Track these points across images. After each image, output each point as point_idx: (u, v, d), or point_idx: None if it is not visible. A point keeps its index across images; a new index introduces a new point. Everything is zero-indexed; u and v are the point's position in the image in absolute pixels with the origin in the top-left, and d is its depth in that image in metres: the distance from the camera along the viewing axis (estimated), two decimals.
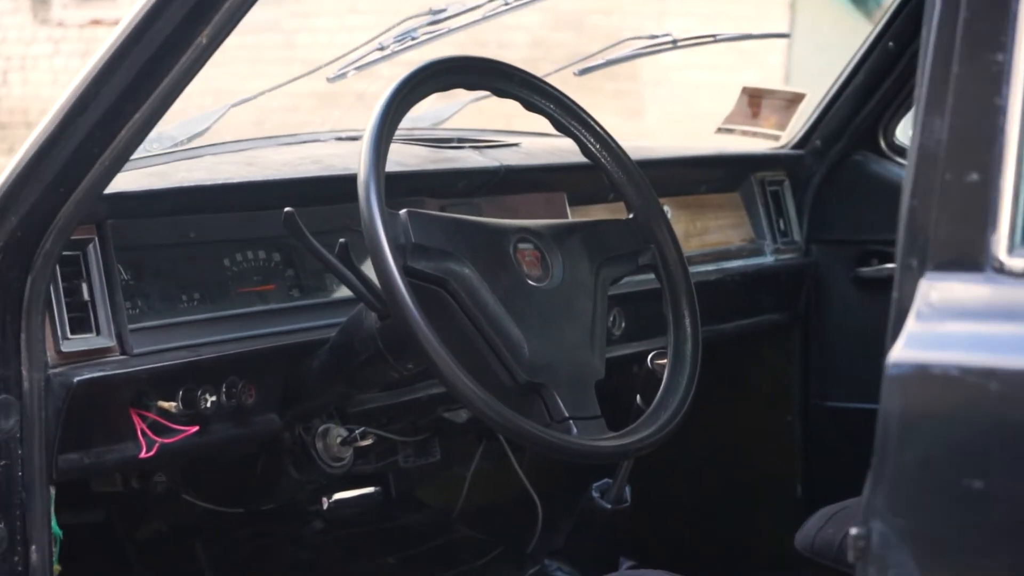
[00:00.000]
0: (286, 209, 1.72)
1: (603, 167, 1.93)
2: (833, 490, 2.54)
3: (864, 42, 2.71)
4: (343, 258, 1.73)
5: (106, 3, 8.98)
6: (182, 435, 1.77)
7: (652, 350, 2.01)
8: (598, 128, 1.93)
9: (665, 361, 1.91)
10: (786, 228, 2.75)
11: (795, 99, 2.75)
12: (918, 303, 1.17)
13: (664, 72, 7.78)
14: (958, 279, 1.17)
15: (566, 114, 1.91)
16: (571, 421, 1.73)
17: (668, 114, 7.77)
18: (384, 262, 1.62)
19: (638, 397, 1.95)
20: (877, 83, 2.70)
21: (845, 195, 2.75)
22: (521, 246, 1.81)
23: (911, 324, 1.17)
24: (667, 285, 1.92)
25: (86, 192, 1.60)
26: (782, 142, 2.78)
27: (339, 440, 1.96)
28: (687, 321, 1.90)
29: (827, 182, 2.76)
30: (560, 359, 1.76)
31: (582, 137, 1.92)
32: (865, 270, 2.72)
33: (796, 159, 2.77)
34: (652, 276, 1.95)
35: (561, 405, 1.73)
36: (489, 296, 1.73)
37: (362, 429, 1.97)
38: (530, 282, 1.79)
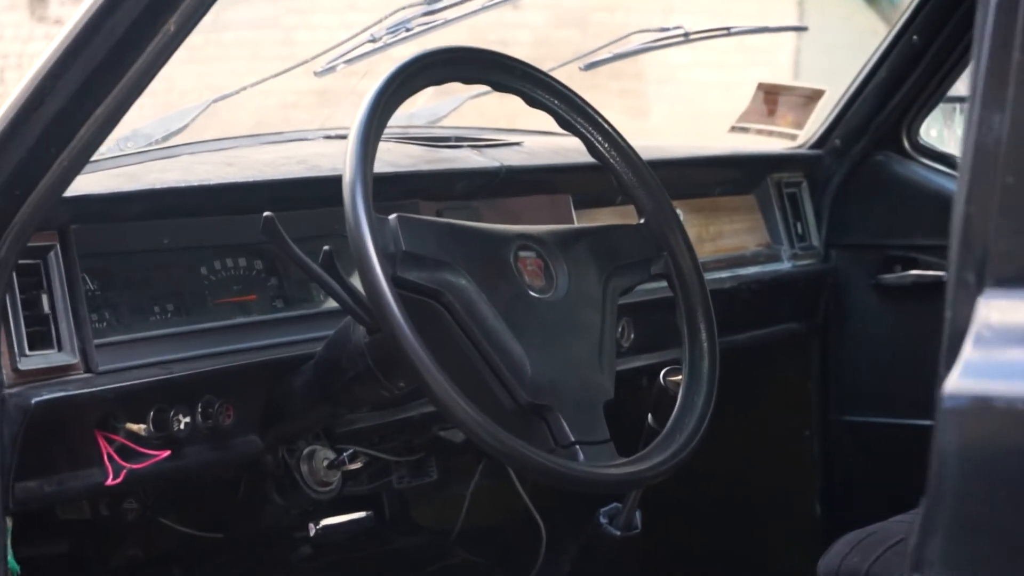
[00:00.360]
0: (265, 213, 1.63)
1: (612, 168, 1.83)
2: (854, 510, 2.58)
3: (887, 36, 2.64)
4: (328, 267, 1.64)
5: None
6: (153, 460, 1.67)
7: (663, 363, 1.94)
8: (607, 126, 1.83)
9: (679, 378, 1.81)
10: (804, 232, 2.69)
11: (813, 96, 2.69)
12: (976, 325, 1.02)
13: (670, 70, 7.79)
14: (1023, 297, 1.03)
15: (572, 110, 1.81)
16: (578, 446, 1.63)
17: (675, 113, 7.74)
18: (371, 272, 1.53)
19: (650, 416, 1.86)
20: (901, 79, 2.63)
21: (866, 197, 2.69)
22: (523, 254, 1.72)
23: (968, 350, 1.02)
24: (681, 296, 1.83)
25: (44, 195, 1.51)
26: (800, 141, 2.72)
27: (326, 463, 1.88)
28: (703, 335, 1.80)
29: (847, 184, 2.71)
30: (565, 378, 1.67)
31: (589, 135, 1.83)
32: (887, 277, 2.66)
33: (814, 159, 2.71)
34: (664, 283, 1.86)
35: (567, 429, 1.64)
36: (487, 309, 1.64)
37: (351, 451, 1.88)
38: (532, 294, 1.70)
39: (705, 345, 1.80)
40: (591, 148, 1.84)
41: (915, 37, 2.57)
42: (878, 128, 2.67)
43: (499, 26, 7.23)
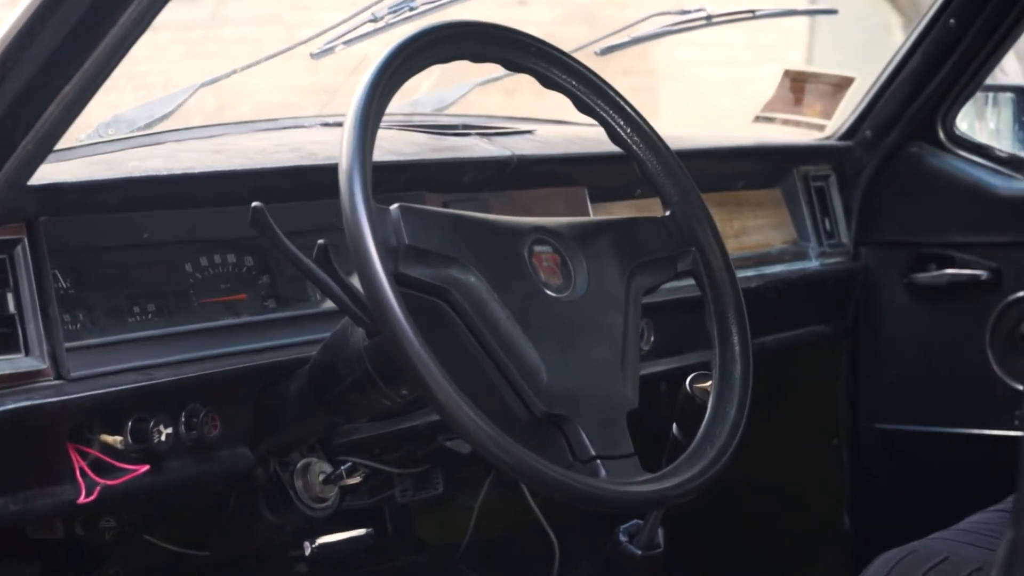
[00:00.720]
0: (254, 204, 1.53)
1: (635, 155, 1.73)
2: (886, 524, 2.56)
3: (921, 19, 2.57)
4: (323, 263, 1.54)
5: None
6: (130, 475, 1.57)
7: (684, 368, 1.88)
8: (629, 109, 1.72)
9: (707, 385, 1.71)
10: (832, 229, 2.63)
11: (843, 83, 2.62)
12: None
13: (680, 68, 7.81)
14: None
15: (591, 92, 1.71)
16: (599, 461, 1.53)
17: (685, 111, 7.71)
18: (370, 268, 1.42)
19: (674, 426, 1.76)
20: (936, 65, 2.56)
21: (899, 192, 2.63)
22: (538, 249, 1.61)
23: None
24: (711, 295, 1.72)
25: (7, 182, 1.43)
26: (828, 132, 2.66)
27: (321, 478, 1.78)
28: (735, 338, 1.69)
29: (878, 177, 2.65)
30: (585, 386, 1.57)
31: (610, 120, 1.72)
32: (921, 276, 2.60)
33: (844, 151, 2.64)
34: (688, 282, 1.77)
35: (587, 442, 1.53)
36: (499, 309, 1.53)
37: (349, 464, 1.78)
38: (549, 292, 1.59)
39: (737, 349, 1.69)
40: (612, 134, 1.74)
41: (952, 20, 2.50)
42: (912, 118, 2.61)
43: (505, 21, 7.21)
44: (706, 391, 1.71)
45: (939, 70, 2.55)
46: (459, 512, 2.30)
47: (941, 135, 2.61)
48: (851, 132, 2.65)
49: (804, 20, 7.58)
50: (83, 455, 1.55)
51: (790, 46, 7.72)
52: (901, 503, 2.61)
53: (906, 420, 2.63)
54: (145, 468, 1.58)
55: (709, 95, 7.61)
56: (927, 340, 2.59)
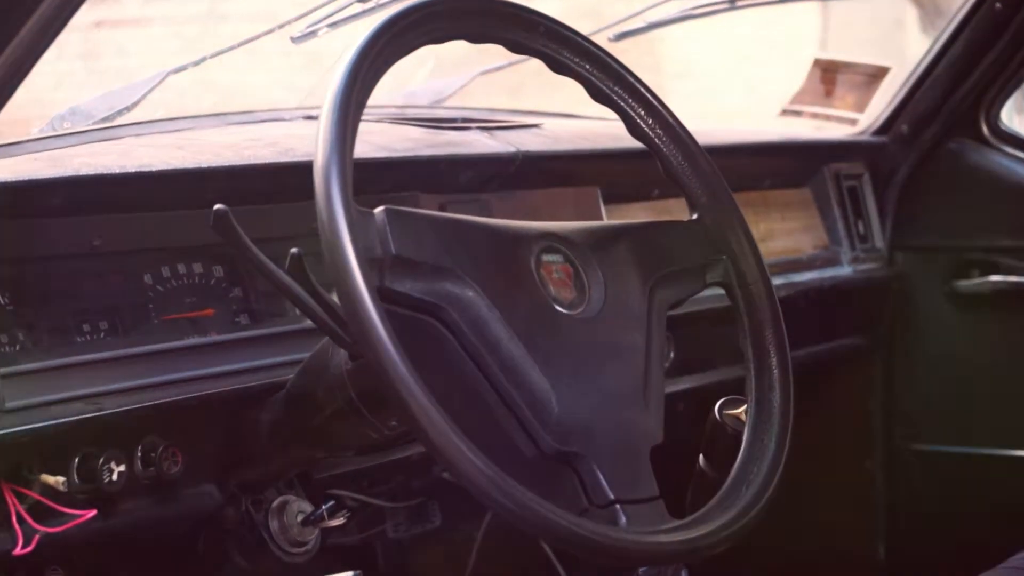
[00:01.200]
0: (216, 206, 1.39)
1: (657, 150, 1.59)
2: (925, 557, 2.56)
3: (963, 4, 2.50)
4: (298, 274, 1.40)
5: (112, 5, 9.09)
6: (75, 521, 1.46)
7: (708, 387, 1.95)
8: (651, 97, 1.57)
9: (740, 411, 1.58)
10: (866, 232, 2.59)
11: (877, 74, 2.62)
12: None
13: (686, 66, 7.80)
14: None
15: (608, 78, 1.55)
16: (618, 506, 1.39)
17: (692, 111, 7.71)
18: (350, 281, 1.27)
19: (701, 458, 1.62)
20: (979, 53, 2.50)
21: (938, 191, 2.59)
22: (547, 258, 1.48)
23: None
24: (745, 311, 1.59)
25: None
26: (861, 127, 2.62)
27: (300, 518, 1.65)
28: (773, 359, 1.56)
29: (916, 176, 2.60)
30: (602, 418, 1.43)
31: (629, 109, 1.57)
32: (963, 284, 2.56)
33: (878, 148, 2.60)
34: (714, 292, 1.64)
35: (604, 483, 1.39)
36: (501, 329, 1.40)
37: (331, 503, 1.65)
38: (559, 309, 1.46)
39: (776, 373, 1.56)
40: (631, 125, 1.60)
41: (998, 4, 2.46)
42: (952, 111, 2.57)
43: None
44: (738, 420, 1.58)
45: (983, 58, 2.50)
46: (459, 546, 2.18)
47: (984, 129, 2.56)
48: (886, 127, 2.60)
49: (816, 15, 7.61)
50: (21, 498, 1.45)
51: (803, 44, 7.73)
52: (942, 533, 2.59)
53: (947, 441, 2.59)
54: (92, 513, 1.46)
55: (717, 92, 7.60)
56: (969, 353, 2.54)
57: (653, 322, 1.52)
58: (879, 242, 2.58)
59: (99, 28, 8.92)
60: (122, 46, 6.38)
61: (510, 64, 2.18)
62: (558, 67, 1.55)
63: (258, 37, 1.94)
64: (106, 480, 1.49)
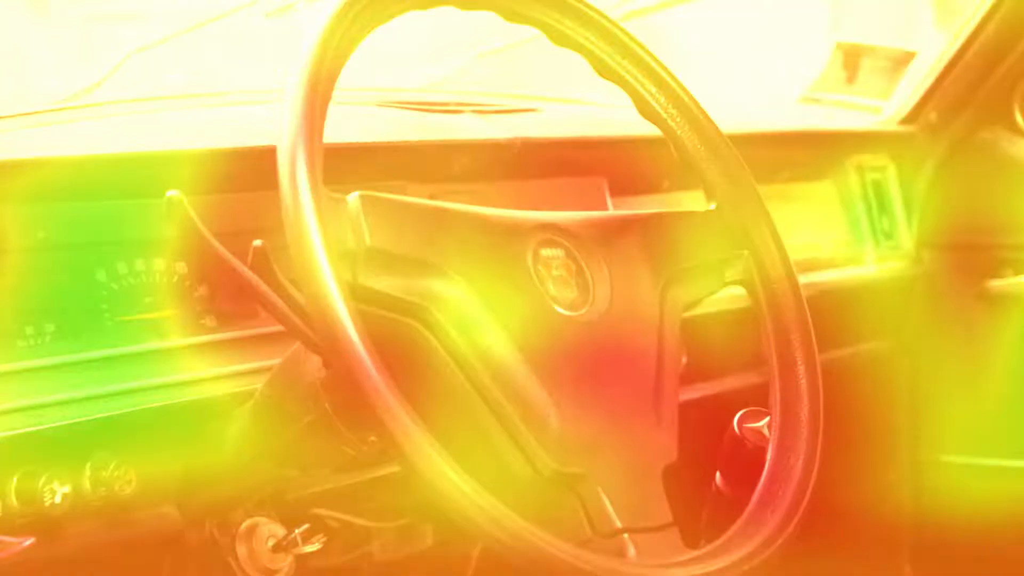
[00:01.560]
0: (169, 192, 1.30)
1: (671, 132, 1.50)
2: (953, 572, 2.51)
3: None
4: (262, 269, 1.31)
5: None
6: (10, 550, 1.38)
7: (724, 393, 1.95)
8: (665, 75, 1.48)
9: (761, 425, 1.49)
10: (891, 229, 2.53)
11: (903, 59, 2.52)
12: None
13: (689, 58, 7.86)
14: None
15: (616, 51, 1.47)
16: (626, 535, 1.30)
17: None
18: (317, 277, 1.17)
19: (718, 476, 1.53)
20: (1014, 37, 2.44)
21: (969, 185, 2.53)
22: (546, 252, 1.39)
23: None
24: (769, 312, 1.51)
25: None
26: (886, 116, 2.55)
27: (271, 543, 1.57)
28: (801, 367, 1.47)
29: (945, 168, 2.54)
30: (608, 435, 1.34)
31: (639, 87, 1.48)
32: (996, 283, 2.50)
33: (904, 138, 2.54)
34: (730, 291, 1.57)
35: (610, 509, 1.30)
36: (493, 333, 1.31)
37: (305, 527, 1.56)
38: (560, 310, 1.37)
39: (804, 383, 1.47)
40: (641, 104, 1.50)
41: None
42: (985, 98, 2.50)
43: None
44: (760, 434, 1.49)
45: (1018, 42, 2.44)
46: (453, 566, 2.09)
47: (1019, 118, 2.49)
48: (913, 115, 2.54)
49: (825, 6, 7.74)
50: None
51: (813, 33, 7.85)
52: (972, 551, 2.51)
53: (977, 452, 2.53)
54: (30, 541, 1.38)
55: (724, 86, 7.66)
56: (1002, 359, 2.48)
57: (665, 324, 1.44)
58: (905, 239, 2.54)
59: (94, 22, 9.14)
60: (116, 39, 6.47)
61: (509, 46, 2.09)
62: (560, 39, 1.46)
63: (229, 14, 1.84)
64: (48, 503, 1.39)
